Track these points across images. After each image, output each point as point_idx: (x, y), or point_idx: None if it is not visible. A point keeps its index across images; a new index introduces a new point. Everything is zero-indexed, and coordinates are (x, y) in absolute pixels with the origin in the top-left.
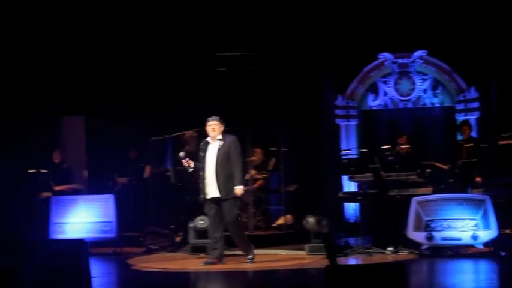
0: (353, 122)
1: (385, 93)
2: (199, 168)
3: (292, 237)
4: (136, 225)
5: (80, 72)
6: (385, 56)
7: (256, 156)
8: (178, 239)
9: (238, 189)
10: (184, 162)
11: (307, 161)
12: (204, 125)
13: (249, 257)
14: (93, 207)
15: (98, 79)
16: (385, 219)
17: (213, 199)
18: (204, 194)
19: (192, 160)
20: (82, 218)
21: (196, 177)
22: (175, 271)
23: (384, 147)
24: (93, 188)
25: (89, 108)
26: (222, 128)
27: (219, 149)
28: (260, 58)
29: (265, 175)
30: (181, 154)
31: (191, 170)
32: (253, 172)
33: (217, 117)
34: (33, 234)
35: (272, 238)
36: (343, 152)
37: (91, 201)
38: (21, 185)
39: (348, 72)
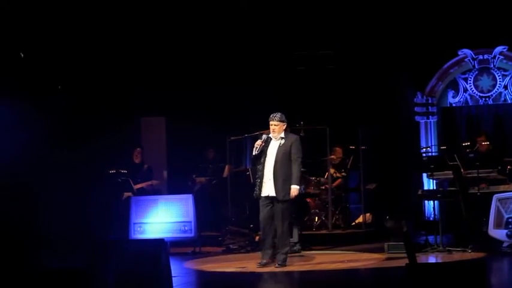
0: (433, 119)
1: (465, 90)
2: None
3: (372, 236)
4: (215, 225)
5: (160, 73)
6: (465, 52)
7: (336, 154)
8: (257, 238)
9: (294, 189)
10: (259, 142)
11: (387, 159)
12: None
13: (279, 263)
14: (172, 207)
15: (178, 80)
16: (465, 216)
17: (268, 197)
18: (260, 190)
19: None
20: (162, 218)
21: None
22: (253, 271)
23: (464, 144)
24: (172, 188)
25: (169, 109)
26: (284, 126)
27: (280, 147)
28: (339, 56)
29: (344, 174)
30: (264, 136)
31: (255, 153)
32: (332, 171)
33: (279, 116)
34: (113, 235)
35: (351, 237)
36: (423, 150)
37: (170, 201)
38: (100, 186)
39: (427, 69)
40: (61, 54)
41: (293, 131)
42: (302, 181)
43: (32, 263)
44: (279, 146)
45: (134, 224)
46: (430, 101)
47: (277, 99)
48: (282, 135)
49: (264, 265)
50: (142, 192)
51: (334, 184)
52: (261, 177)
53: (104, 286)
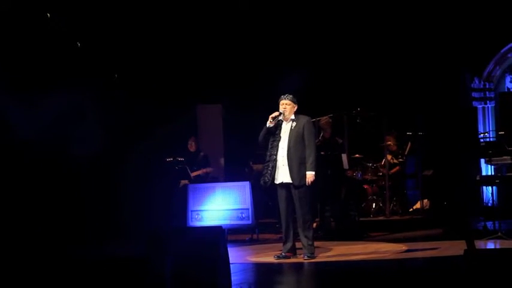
0: (490, 105)
1: None
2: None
3: (430, 222)
4: (272, 212)
5: (216, 60)
6: None
7: (392, 141)
8: (314, 225)
9: (309, 175)
10: (276, 113)
11: (444, 145)
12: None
13: (308, 255)
14: (229, 195)
15: (234, 66)
16: None
17: (284, 184)
18: (273, 177)
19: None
20: (219, 206)
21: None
22: (317, 261)
23: None
24: (229, 175)
25: (226, 96)
26: (295, 108)
27: (292, 130)
28: (395, 41)
29: (401, 160)
30: (277, 114)
31: (269, 125)
32: (389, 157)
33: (291, 96)
34: (171, 223)
35: (409, 223)
36: (481, 135)
37: (228, 189)
38: (158, 174)
39: (484, 54)
40: (118, 44)
41: (350, 117)
42: (358, 167)
43: (93, 251)
44: (291, 128)
45: (192, 211)
46: (487, 86)
47: (333, 84)
48: (293, 117)
49: (283, 258)
50: (198, 179)
51: (391, 171)
52: (274, 162)
53: (162, 274)
